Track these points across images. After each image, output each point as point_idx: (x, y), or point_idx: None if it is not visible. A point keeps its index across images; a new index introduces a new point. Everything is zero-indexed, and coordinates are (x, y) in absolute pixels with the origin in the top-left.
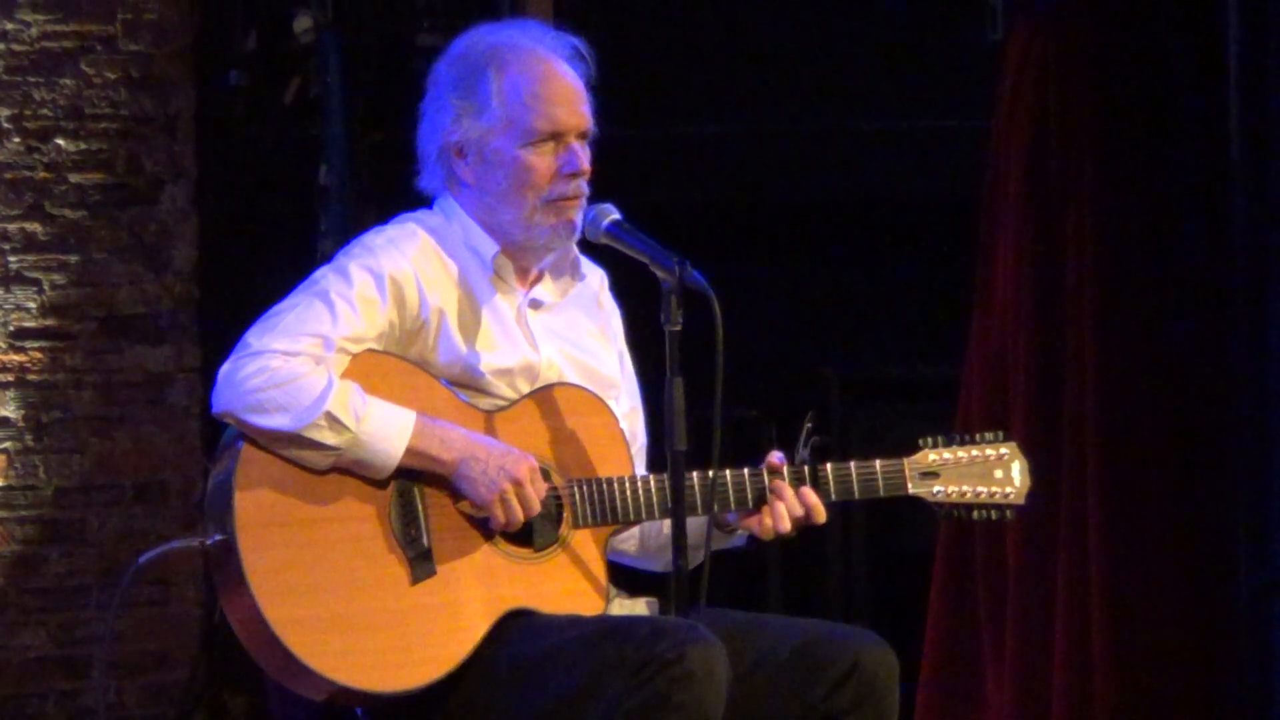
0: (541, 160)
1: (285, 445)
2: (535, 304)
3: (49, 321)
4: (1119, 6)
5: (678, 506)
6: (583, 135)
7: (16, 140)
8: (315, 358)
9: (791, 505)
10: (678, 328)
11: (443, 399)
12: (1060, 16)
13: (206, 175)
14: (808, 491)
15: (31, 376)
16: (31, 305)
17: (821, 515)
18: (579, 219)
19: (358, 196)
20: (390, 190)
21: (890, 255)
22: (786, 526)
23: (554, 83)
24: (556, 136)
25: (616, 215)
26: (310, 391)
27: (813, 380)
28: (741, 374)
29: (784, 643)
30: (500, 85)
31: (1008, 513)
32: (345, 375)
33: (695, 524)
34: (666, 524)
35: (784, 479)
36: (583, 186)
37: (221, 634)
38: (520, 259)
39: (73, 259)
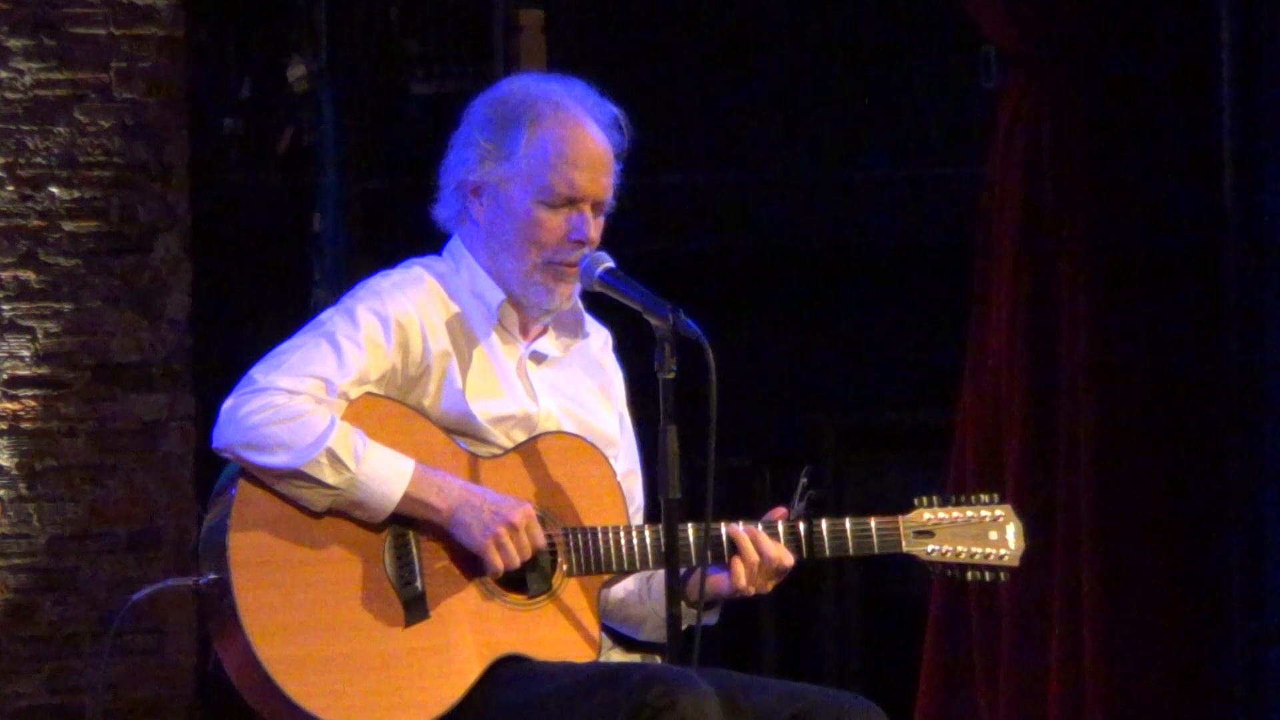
0: (552, 219)
1: (284, 481)
2: (537, 357)
3: (43, 370)
4: (1112, 55)
5: (670, 554)
6: (598, 205)
7: (10, 188)
8: (317, 398)
9: (747, 553)
10: (671, 375)
11: (439, 444)
12: (1054, 64)
13: (200, 223)
14: (765, 542)
15: (25, 425)
16: (25, 353)
17: (786, 560)
18: (576, 288)
19: (352, 244)
20: (385, 237)
21: (885, 302)
22: (742, 582)
23: (583, 147)
24: (572, 201)
25: (610, 263)
26: (313, 429)
27: (806, 428)
28: (735, 422)
29: (780, 710)
30: (531, 137)
31: (1002, 575)
32: (346, 418)
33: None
34: (655, 588)
35: (777, 532)
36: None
37: (215, 683)
38: (524, 309)
39: (66, 307)
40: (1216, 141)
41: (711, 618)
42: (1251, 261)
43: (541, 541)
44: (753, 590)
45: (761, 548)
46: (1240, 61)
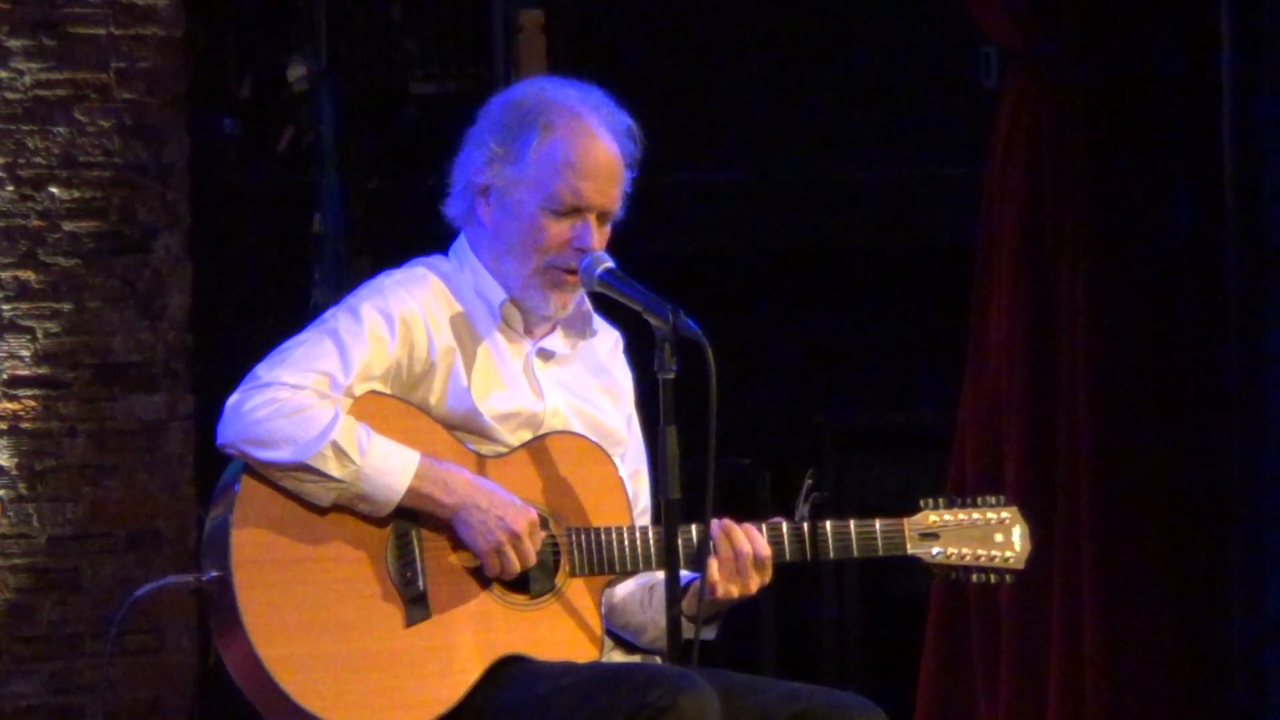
0: (557, 226)
1: (289, 476)
2: (545, 354)
3: (43, 370)
4: (1113, 53)
5: (670, 555)
6: (604, 215)
7: (10, 188)
8: (321, 393)
9: (721, 548)
10: (671, 376)
11: (443, 443)
12: (1054, 64)
13: (200, 223)
14: (736, 534)
15: (25, 425)
16: (25, 353)
17: (761, 549)
18: (575, 297)
19: (352, 244)
20: (385, 238)
21: (884, 302)
22: (715, 576)
23: (592, 157)
24: (577, 210)
25: (610, 263)
26: (317, 423)
27: (806, 429)
28: (735, 423)
29: (780, 710)
30: (540, 143)
31: (1007, 577)
32: (349, 415)
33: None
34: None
35: (782, 533)
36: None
37: (215, 682)
38: (526, 311)
39: (66, 307)
40: (1217, 142)
41: (710, 632)
42: (1251, 261)
43: (539, 547)
44: (735, 591)
45: (734, 541)
46: (1240, 62)
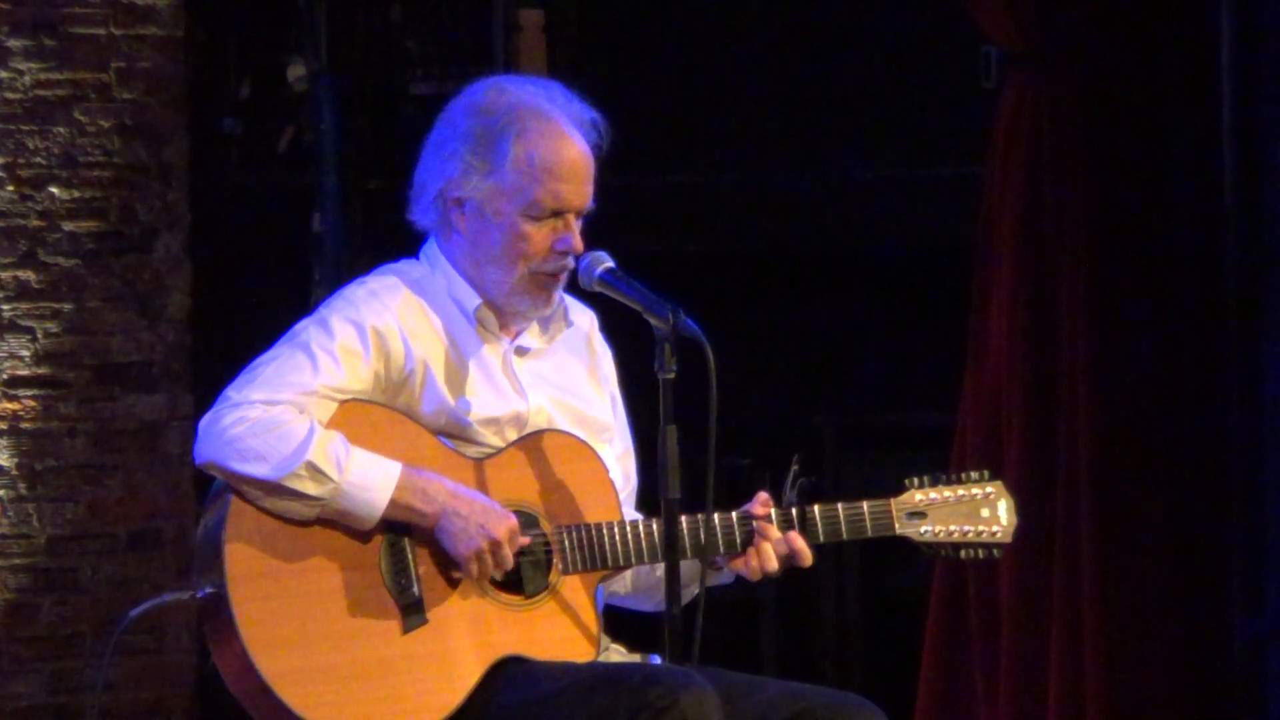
0: (539, 232)
1: (267, 496)
2: (522, 351)
3: (42, 370)
4: (1113, 55)
5: (670, 555)
6: (580, 213)
7: (10, 188)
8: (297, 407)
9: (776, 544)
10: (671, 376)
11: (429, 447)
12: (1054, 65)
13: (200, 223)
14: (794, 536)
15: (25, 425)
16: (25, 353)
17: (807, 559)
18: (559, 294)
19: (352, 244)
20: (385, 238)
21: (884, 302)
22: (774, 566)
23: (568, 159)
24: (558, 213)
25: (610, 263)
26: (291, 440)
27: (806, 428)
28: (735, 422)
29: (780, 710)
30: (517, 151)
31: (995, 551)
32: (331, 425)
33: (687, 565)
34: (657, 565)
35: (771, 520)
36: (570, 262)
37: (215, 683)
38: (503, 312)
39: (66, 307)
40: (1216, 141)
41: (729, 576)
42: (1251, 261)
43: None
44: (775, 574)
45: (795, 546)
46: (1240, 61)
